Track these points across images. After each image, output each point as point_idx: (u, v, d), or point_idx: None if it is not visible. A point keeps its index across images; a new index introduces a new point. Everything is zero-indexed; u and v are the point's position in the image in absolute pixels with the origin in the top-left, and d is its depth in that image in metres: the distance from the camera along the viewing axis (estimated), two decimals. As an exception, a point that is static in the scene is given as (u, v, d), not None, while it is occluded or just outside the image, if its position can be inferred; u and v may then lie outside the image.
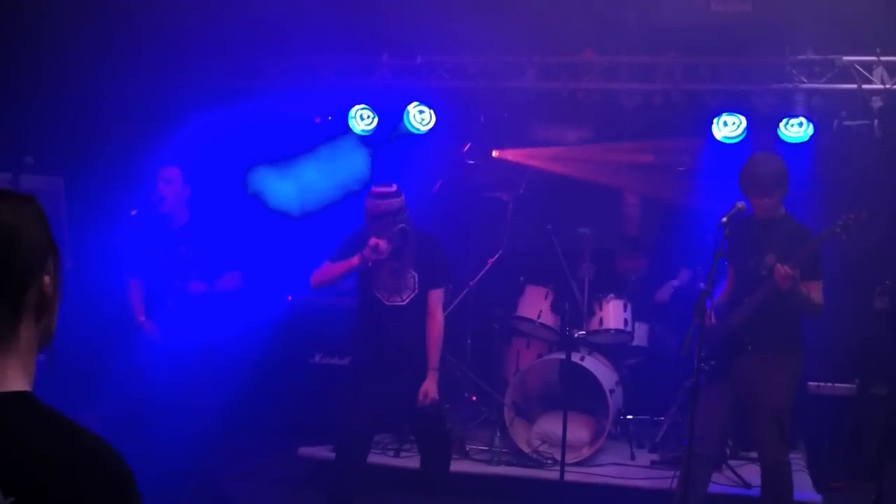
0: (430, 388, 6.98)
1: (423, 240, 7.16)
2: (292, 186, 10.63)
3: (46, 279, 2.12)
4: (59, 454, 1.95)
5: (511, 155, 10.88)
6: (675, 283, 9.93)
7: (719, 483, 8.20)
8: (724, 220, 6.42)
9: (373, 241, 6.88)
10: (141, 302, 8.11)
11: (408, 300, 7.04)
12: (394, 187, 7.03)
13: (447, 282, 7.48)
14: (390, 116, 10.23)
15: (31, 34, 8.84)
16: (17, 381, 2.06)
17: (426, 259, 7.09)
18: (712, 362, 6.71)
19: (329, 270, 7.16)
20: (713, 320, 6.65)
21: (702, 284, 6.60)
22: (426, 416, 7.19)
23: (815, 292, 6.59)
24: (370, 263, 6.96)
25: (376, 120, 10.25)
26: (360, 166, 10.54)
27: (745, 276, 6.78)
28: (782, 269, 6.38)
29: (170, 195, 8.07)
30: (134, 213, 8.04)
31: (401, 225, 6.98)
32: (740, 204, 6.56)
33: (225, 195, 9.38)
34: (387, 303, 7.04)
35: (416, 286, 7.04)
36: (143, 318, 8.04)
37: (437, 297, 7.16)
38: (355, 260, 6.97)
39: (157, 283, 8.07)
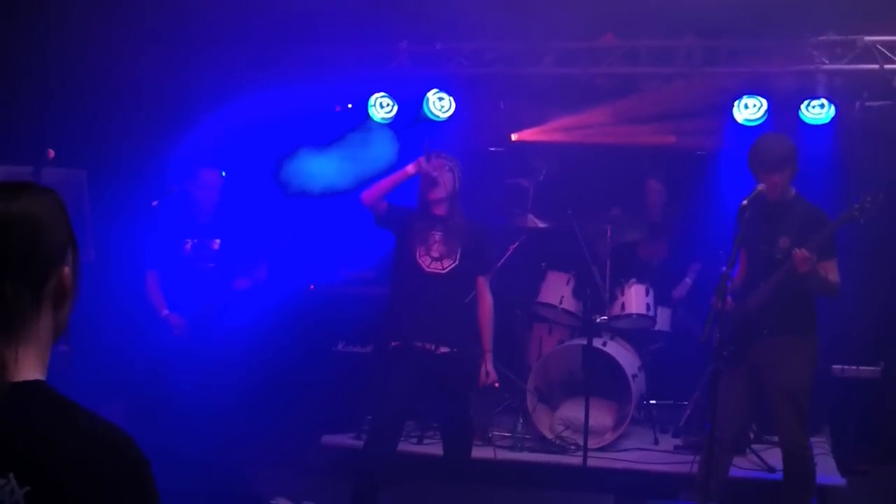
0: (489, 368, 7.16)
1: (472, 224, 7.28)
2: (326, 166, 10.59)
3: (66, 270, 2.17)
4: (74, 443, 1.97)
5: (529, 135, 10.82)
6: (689, 280, 9.93)
7: (743, 467, 8.19)
8: (745, 203, 6.40)
9: (427, 151, 7.07)
10: (160, 295, 8.15)
11: (448, 269, 7.08)
12: None
13: (491, 271, 7.55)
14: (410, 104, 10.21)
15: (54, 28, 8.88)
16: (34, 370, 2.09)
17: (472, 240, 7.18)
18: (731, 348, 6.70)
19: (381, 183, 7.22)
20: (730, 305, 6.62)
21: (723, 268, 6.58)
22: (454, 400, 7.24)
23: (830, 272, 6.58)
24: (423, 171, 7.05)
25: (396, 107, 10.23)
26: (386, 151, 10.53)
27: (759, 260, 6.77)
28: (801, 253, 6.36)
29: (205, 199, 8.17)
30: (155, 204, 8.09)
31: (455, 171, 7.18)
32: (761, 186, 6.54)
33: (247, 185, 9.39)
34: (427, 269, 7.06)
35: (458, 259, 7.08)
36: (166, 312, 8.08)
37: (484, 282, 7.28)
38: (411, 168, 7.10)
39: (183, 276, 8.12)
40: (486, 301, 7.24)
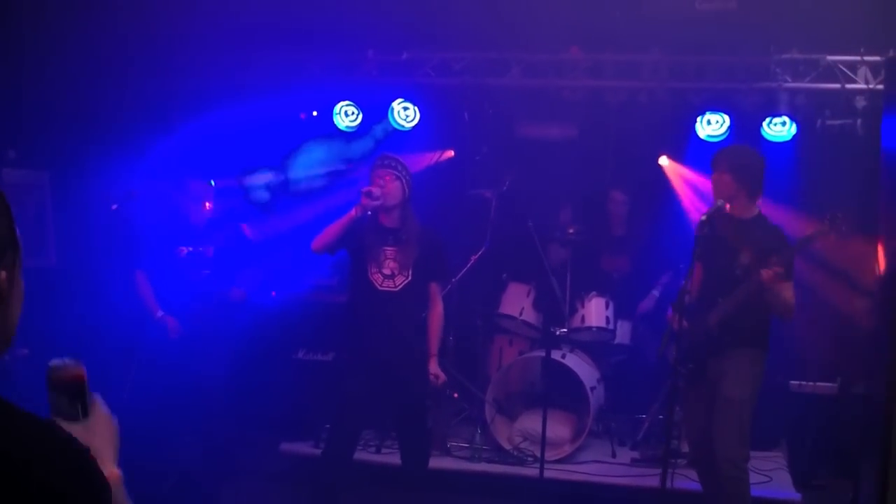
0: (436, 370, 7.15)
1: (426, 232, 7.19)
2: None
3: (3, 274, 2.06)
4: (12, 441, 1.93)
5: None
6: (656, 293, 9.93)
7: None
8: (704, 218, 6.44)
9: (364, 188, 6.93)
10: (153, 297, 8.12)
11: (400, 286, 7.01)
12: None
13: (445, 277, 7.52)
14: (375, 113, 10.23)
15: (19, 30, 8.83)
16: None
17: (426, 249, 7.10)
18: (690, 365, 6.71)
19: (328, 230, 7.08)
20: (685, 324, 6.59)
21: (681, 282, 6.59)
22: (412, 411, 7.23)
23: (787, 292, 6.58)
24: (369, 212, 6.98)
25: (361, 116, 10.24)
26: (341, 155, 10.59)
27: (717, 275, 6.76)
28: (769, 272, 6.37)
29: (195, 209, 8.17)
30: (115, 207, 8.06)
31: (402, 178, 7.05)
32: (720, 201, 6.58)
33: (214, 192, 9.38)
34: (379, 287, 7.00)
35: (411, 274, 7.03)
36: (161, 314, 8.06)
37: (436, 288, 7.25)
38: (353, 211, 6.93)
39: (179, 282, 8.10)
40: (437, 307, 7.22)
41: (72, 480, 1.93)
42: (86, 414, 2.31)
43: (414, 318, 7.15)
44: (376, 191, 6.90)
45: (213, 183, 8.38)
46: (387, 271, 7.00)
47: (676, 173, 10.19)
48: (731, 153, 6.80)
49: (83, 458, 1.99)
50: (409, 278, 7.02)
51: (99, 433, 2.31)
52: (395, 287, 7.01)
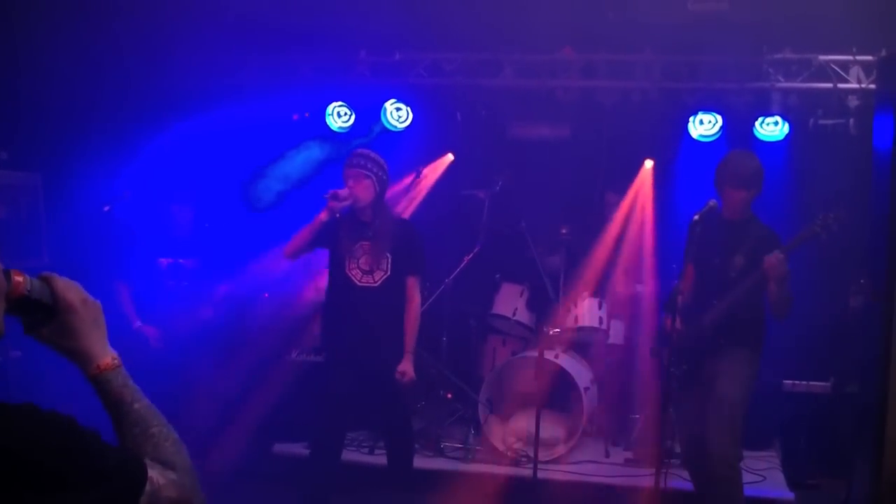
0: (407, 368, 7.07)
1: (401, 226, 7.19)
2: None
3: None
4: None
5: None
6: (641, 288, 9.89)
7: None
8: (696, 217, 6.42)
9: (329, 192, 6.94)
10: (132, 308, 8.09)
11: (380, 281, 7.02)
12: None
13: (422, 272, 7.47)
14: (367, 113, 10.22)
15: (11, 30, 8.81)
16: None
17: (402, 244, 7.09)
18: (683, 365, 6.70)
19: (298, 236, 7.11)
20: (679, 325, 6.57)
21: (674, 282, 6.59)
22: (393, 409, 7.22)
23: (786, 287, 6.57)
24: (337, 214, 6.98)
25: (353, 117, 10.25)
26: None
27: (712, 278, 6.75)
28: (774, 259, 6.34)
29: (178, 231, 8.18)
30: (107, 209, 8.04)
31: (372, 175, 7.01)
32: (712, 202, 6.55)
33: (203, 194, 9.36)
34: (358, 283, 7.01)
35: (389, 269, 7.03)
36: (138, 324, 8.03)
37: (413, 282, 7.19)
38: (322, 214, 6.96)
39: (158, 293, 8.08)
40: (414, 302, 7.18)
41: (62, 456, 1.97)
42: (50, 314, 2.28)
43: (395, 313, 7.13)
44: (342, 192, 6.92)
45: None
46: (364, 266, 7.01)
47: (645, 183, 10.16)
48: (759, 170, 6.73)
49: (68, 431, 2.03)
50: (388, 273, 7.03)
51: (78, 324, 2.32)
52: (375, 282, 7.01)
